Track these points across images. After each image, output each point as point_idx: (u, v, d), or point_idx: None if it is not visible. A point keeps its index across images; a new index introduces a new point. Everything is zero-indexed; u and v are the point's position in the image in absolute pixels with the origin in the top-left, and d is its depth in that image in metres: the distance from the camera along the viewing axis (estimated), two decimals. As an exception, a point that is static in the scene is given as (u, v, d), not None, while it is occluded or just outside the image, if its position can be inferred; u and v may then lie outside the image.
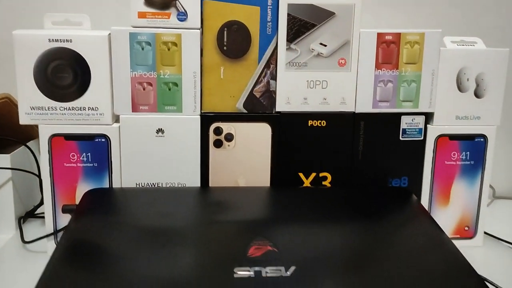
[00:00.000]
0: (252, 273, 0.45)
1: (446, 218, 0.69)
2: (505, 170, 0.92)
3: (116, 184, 0.64)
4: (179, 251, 0.49)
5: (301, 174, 0.67)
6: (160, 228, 0.53)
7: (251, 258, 0.48)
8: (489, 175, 0.68)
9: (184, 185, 0.65)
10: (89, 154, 0.62)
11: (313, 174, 0.67)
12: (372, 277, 0.46)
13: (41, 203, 0.76)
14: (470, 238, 0.69)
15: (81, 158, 0.62)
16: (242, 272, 0.46)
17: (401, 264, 0.47)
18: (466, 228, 0.69)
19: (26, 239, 0.67)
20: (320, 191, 0.65)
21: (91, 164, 0.62)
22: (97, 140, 0.62)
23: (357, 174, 0.67)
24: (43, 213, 0.72)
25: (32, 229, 0.72)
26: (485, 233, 0.71)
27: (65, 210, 0.60)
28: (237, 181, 0.65)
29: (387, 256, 0.49)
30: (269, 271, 0.46)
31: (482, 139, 0.67)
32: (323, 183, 0.67)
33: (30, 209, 0.77)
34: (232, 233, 0.52)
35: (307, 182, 0.67)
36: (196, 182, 0.65)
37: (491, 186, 0.89)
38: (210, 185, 0.65)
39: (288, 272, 0.46)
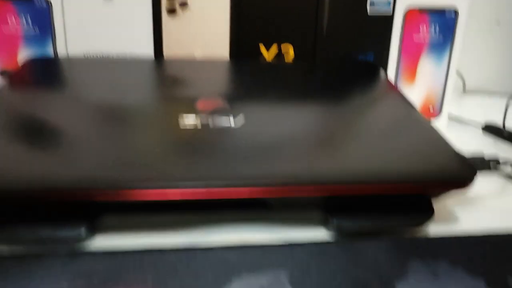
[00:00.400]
0: (198, 124, 0.43)
1: (412, 96, 0.66)
2: (477, 64, 0.90)
3: (61, 54, 0.59)
4: (126, 120, 0.45)
5: (262, 47, 0.63)
6: (106, 100, 0.49)
7: (199, 111, 0.45)
8: (458, 54, 0.66)
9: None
10: (29, 17, 0.56)
11: (275, 48, 0.63)
12: (337, 143, 0.43)
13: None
14: (434, 117, 0.68)
15: (20, 22, 0.57)
16: (189, 123, 0.43)
17: (373, 139, 0.44)
18: (431, 108, 0.67)
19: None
20: (283, 66, 0.61)
21: (32, 30, 0.57)
22: (36, 3, 0.56)
23: (321, 49, 0.64)
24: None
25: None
26: (449, 116, 0.70)
27: (4, 74, 0.56)
28: (194, 53, 0.62)
29: (355, 128, 0.46)
30: (217, 123, 0.43)
31: (453, 13, 0.64)
32: (286, 58, 0.64)
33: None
34: (182, 101, 0.49)
35: (268, 57, 0.63)
36: (149, 53, 0.61)
37: (461, 77, 0.86)
38: (164, 56, 0.61)
39: (237, 125, 0.43)
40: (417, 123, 0.47)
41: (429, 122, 0.47)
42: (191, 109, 0.45)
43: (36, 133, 0.41)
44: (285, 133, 0.43)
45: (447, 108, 0.68)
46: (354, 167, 0.38)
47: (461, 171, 0.39)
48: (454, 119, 0.71)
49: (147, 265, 0.34)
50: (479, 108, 0.80)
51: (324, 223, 0.39)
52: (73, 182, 0.35)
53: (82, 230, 0.36)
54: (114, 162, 0.37)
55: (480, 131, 0.68)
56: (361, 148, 0.41)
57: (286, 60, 0.63)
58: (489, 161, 0.43)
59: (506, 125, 0.65)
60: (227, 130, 0.43)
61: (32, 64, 0.55)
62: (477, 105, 0.82)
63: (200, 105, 0.46)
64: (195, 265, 0.34)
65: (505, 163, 0.48)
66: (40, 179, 0.35)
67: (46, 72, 0.54)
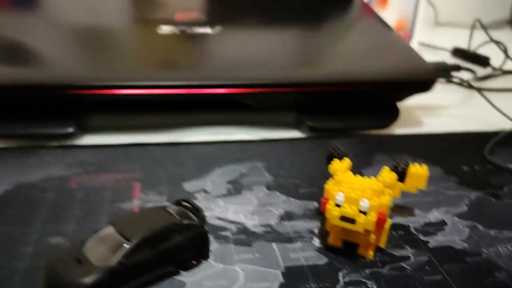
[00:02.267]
0: (177, 31, 0.44)
1: (384, 21, 0.69)
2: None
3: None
4: (109, 30, 0.46)
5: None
6: (91, 13, 0.49)
7: (177, 21, 0.47)
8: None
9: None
10: None
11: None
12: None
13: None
14: (406, 42, 0.70)
15: None
16: (167, 29, 0.45)
17: (345, 48, 0.46)
18: (402, 34, 0.70)
19: None
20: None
21: None
22: None
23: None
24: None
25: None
26: (420, 43, 0.73)
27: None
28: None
29: (329, 39, 0.48)
30: (194, 30, 0.45)
31: None
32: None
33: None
34: (158, 14, 0.50)
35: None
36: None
37: (433, 7, 0.89)
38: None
39: (213, 31, 0.45)
40: (387, 36, 0.49)
41: (398, 34, 0.50)
42: (170, 20, 0.47)
43: (26, 40, 0.42)
44: (262, 42, 0.45)
45: (418, 35, 0.70)
46: (325, 70, 0.41)
47: (424, 74, 0.42)
48: (425, 46, 0.74)
49: (135, 157, 0.37)
50: (449, 37, 0.82)
51: (298, 124, 0.42)
52: (61, 79, 0.37)
53: (71, 127, 0.38)
54: (98, 63, 0.39)
55: (449, 55, 0.71)
56: (332, 56, 0.44)
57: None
58: (450, 66, 0.46)
59: (471, 47, 0.69)
60: (206, 36, 0.44)
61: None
62: (447, 35, 0.85)
63: (178, 16, 0.47)
64: (179, 157, 0.37)
65: (466, 69, 0.51)
66: (32, 77, 0.37)
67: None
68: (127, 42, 0.43)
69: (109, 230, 0.24)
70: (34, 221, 0.29)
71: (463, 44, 0.71)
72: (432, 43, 0.74)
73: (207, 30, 0.45)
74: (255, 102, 0.41)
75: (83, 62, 0.39)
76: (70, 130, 0.38)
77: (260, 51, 0.43)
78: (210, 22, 0.47)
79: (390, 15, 0.68)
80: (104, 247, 0.24)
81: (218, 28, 0.45)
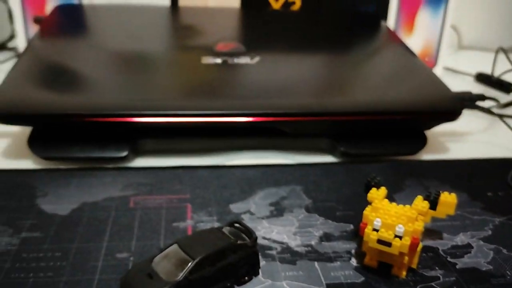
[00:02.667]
0: (219, 61, 0.48)
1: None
2: (472, 21, 0.94)
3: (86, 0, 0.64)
4: (156, 61, 0.50)
5: (271, -2, 0.67)
6: (136, 43, 0.54)
7: (218, 51, 0.50)
8: (453, 7, 0.70)
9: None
10: (56, -32, 0.61)
11: (283, -1, 0.68)
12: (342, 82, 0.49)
13: (12, 36, 0.76)
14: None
15: (48, -28, 0.61)
16: (210, 59, 0.48)
17: (375, 77, 0.50)
18: (427, 59, 0.73)
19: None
20: (290, 15, 0.66)
21: (59, -20, 0.61)
22: (63, -46, 0.60)
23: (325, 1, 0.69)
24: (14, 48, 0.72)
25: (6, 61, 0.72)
26: (445, 67, 0.75)
27: (37, 20, 0.60)
28: (207, 1, 0.66)
29: (359, 69, 0.51)
30: (235, 60, 0.49)
31: (450, -34, 0.68)
32: (292, 8, 0.68)
33: (2, 42, 0.76)
34: (200, 44, 0.54)
35: (276, 6, 0.68)
36: (165, 1, 0.65)
37: (457, 32, 0.91)
38: (179, 4, 0.66)
39: (252, 61, 0.49)
40: (415, 65, 0.52)
41: (425, 64, 0.52)
42: (212, 51, 0.50)
43: (82, 71, 0.46)
44: (297, 72, 0.49)
45: (442, 60, 0.73)
46: (358, 99, 0.44)
47: (451, 105, 0.45)
48: (449, 70, 0.76)
49: (184, 178, 0.40)
50: (472, 62, 0.85)
51: (331, 150, 0.45)
52: (115, 108, 0.41)
53: (125, 151, 0.42)
54: (149, 93, 0.43)
55: (473, 80, 0.73)
56: (364, 85, 0.47)
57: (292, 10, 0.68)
58: (476, 96, 0.49)
59: (495, 73, 0.71)
60: (246, 66, 0.48)
61: (61, 13, 0.60)
62: (471, 59, 0.87)
63: (219, 47, 0.51)
64: (224, 179, 0.40)
65: (490, 99, 0.53)
66: (89, 106, 0.41)
67: (74, 20, 0.59)
68: (175, 72, 0.47)
69: (175, 248, 0.28)
70: (101, 238, 0.33)
71: (486, 69, 0.73)
72: (455, 67, 0.77)
73: (247, 60, 0.48)
74: (290, 129, 0.44)
75: (135, 92, 0.43)
76: (124, 153, 0.42)
77: (295, 81, 0.46)
78: (249, 52, 0.50)
79: (415, 41, 0.71)
80: (170, 264, 0.27)
81: (257, 58, 0.49)
